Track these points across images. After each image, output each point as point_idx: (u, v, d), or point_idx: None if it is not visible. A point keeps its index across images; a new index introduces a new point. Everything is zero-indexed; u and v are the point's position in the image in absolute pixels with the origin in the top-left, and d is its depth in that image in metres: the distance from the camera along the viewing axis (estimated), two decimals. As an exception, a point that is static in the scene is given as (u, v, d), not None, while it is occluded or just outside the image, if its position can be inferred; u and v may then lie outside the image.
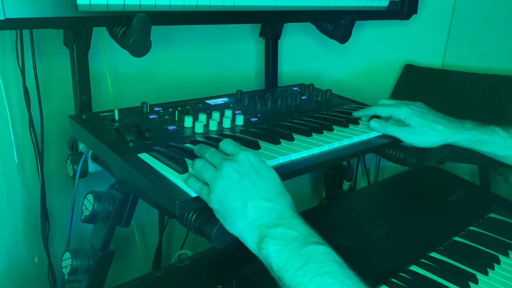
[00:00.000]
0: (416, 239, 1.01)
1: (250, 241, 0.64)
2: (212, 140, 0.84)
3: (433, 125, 0.95)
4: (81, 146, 0.93)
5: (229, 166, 0.66)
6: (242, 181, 0.65)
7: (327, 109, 1.13)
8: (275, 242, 0.61)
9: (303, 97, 1.18)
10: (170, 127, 0.90)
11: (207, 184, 0.67)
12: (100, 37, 1.00)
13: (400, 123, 0.98)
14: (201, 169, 0.68)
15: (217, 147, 0.75)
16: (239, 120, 0.96)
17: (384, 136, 0.99)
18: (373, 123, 0.99)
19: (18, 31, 0.89)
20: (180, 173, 0.71)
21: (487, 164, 1.46)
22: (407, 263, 0.93)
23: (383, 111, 1.01)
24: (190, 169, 0.72)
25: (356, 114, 1.06)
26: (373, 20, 1.40)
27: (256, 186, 0.65)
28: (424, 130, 0.95)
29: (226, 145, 0.72)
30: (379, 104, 1.04)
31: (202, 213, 0.70)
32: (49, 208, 1.03)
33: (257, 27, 1.29)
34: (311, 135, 0.93)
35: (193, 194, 0.68)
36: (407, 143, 0.99)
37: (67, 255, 0.87)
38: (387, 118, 1.01)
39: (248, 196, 0.64)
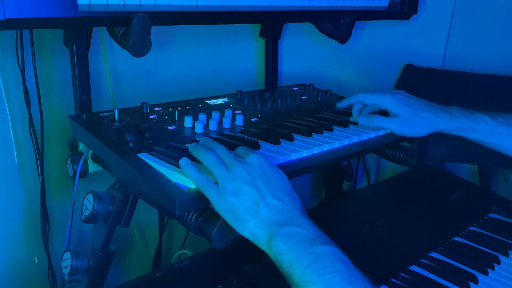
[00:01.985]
0: (416, 239, 1.01)
1: (261, 239, 0.65)
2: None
3: (422, 113, 0.94)
4: (81, 146, 0.93)
5: (241, 168, 0.67)
6: (254, 181, 0.66)
7: (327, 109, 1.13)
8: (285, 240, 0.63)
9: (303, 97, 1.18)
10: (170, 127, 0.90)
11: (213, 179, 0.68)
12: (100, 37, 1.00)
13: (387, 114, 0.98)
14: (214, 164, 0.68)
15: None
16: (239, 120, 0.96)
17: (384, 136, 0.99)
18: (361, 119, 0.98)
19: (18, 31, 0.89)
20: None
21: (487, 164, 1.46)
22: (407, 263, 0.93)
23: (368, 99, 0.99)
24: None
25: (340, 105, 1.04)
26: (373, 20, 1.40)
27: (267, 186, 0.67)
28: (413, 119, 0.94)
29: (240, 149, 0.74)
30: (363, 91, 1.02)
31: (202, 213, 0.70)
32: (49, 208, 1.03)
33: (257, 27, 1.29)
34: (311, 135, 0.93)
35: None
36: (397, 134, 0.97)
37: (67, 255, 0.87)
38: (373, 107, 1.01)
39: (260, 196, 0.66)
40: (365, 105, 1.03)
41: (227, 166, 0.68)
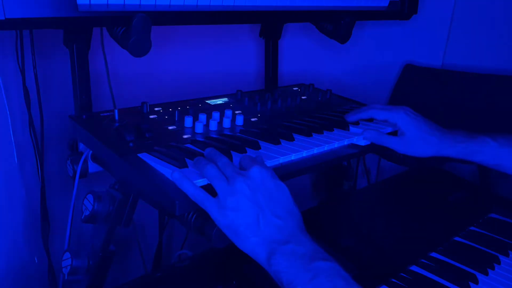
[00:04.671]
0: (416, 239, 1.01)
1: (260, 256, 0.65)
2: (212, 140, 0.84)
3: (427, 136, 0.94)
4: (81, 146, 0.93)
5: (243, 182, 0.66)
6: (255, 197, 0.66)
7: (327, 109, 1.13)
8: (285, 257, 0.63)
9: (303, 97, 1.18)
10: (170, 127, 0.90)
11: (211, 190, 0.67)
12: (100, 37, 1.00)
13: (395, 128, 0.97)
14: (214, 177, 0.68)
15: (217, 148, 0.76)
16: (239, 120, 0.96)
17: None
18: (367, 134, 0.96)
19: (18, 31, 0.89)
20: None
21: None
22: (407, 263, 0.93)
23: (379, 115, 0.99)
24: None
25: (349, 118, 1.02)
26: (373, 20, 1.40)
27: (267, 203, 0.66)
28: (417, 141, 0.94)
29: (244, 159, 0.72)
30: (374, 107, 1.01)
31: (202, 213, 0.70)
32: (49, 208, 1.02)
33: (257, 27, 1.29)
34: (311, 135, 0.93)
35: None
36: (399, 153, 0.97)
37: (67, 255, 0.87)
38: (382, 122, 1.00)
39: (260, 213, 0.66)
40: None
41: (228, 179, 0.67)
